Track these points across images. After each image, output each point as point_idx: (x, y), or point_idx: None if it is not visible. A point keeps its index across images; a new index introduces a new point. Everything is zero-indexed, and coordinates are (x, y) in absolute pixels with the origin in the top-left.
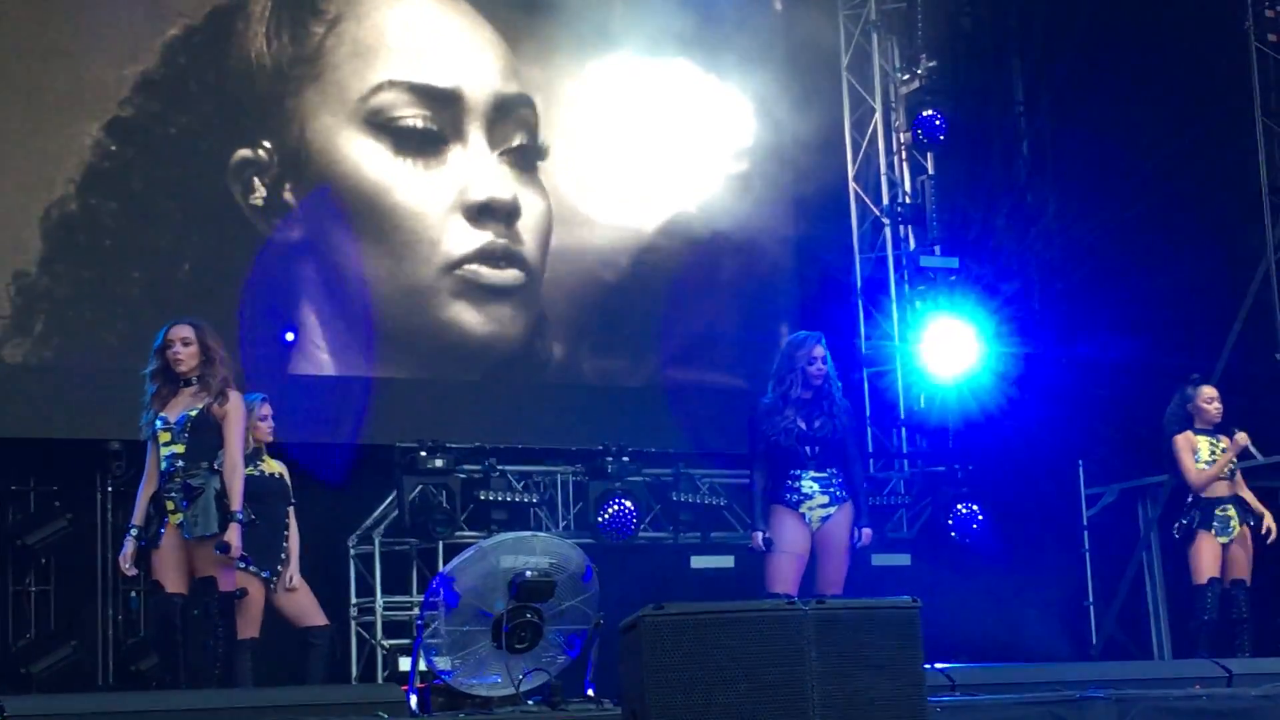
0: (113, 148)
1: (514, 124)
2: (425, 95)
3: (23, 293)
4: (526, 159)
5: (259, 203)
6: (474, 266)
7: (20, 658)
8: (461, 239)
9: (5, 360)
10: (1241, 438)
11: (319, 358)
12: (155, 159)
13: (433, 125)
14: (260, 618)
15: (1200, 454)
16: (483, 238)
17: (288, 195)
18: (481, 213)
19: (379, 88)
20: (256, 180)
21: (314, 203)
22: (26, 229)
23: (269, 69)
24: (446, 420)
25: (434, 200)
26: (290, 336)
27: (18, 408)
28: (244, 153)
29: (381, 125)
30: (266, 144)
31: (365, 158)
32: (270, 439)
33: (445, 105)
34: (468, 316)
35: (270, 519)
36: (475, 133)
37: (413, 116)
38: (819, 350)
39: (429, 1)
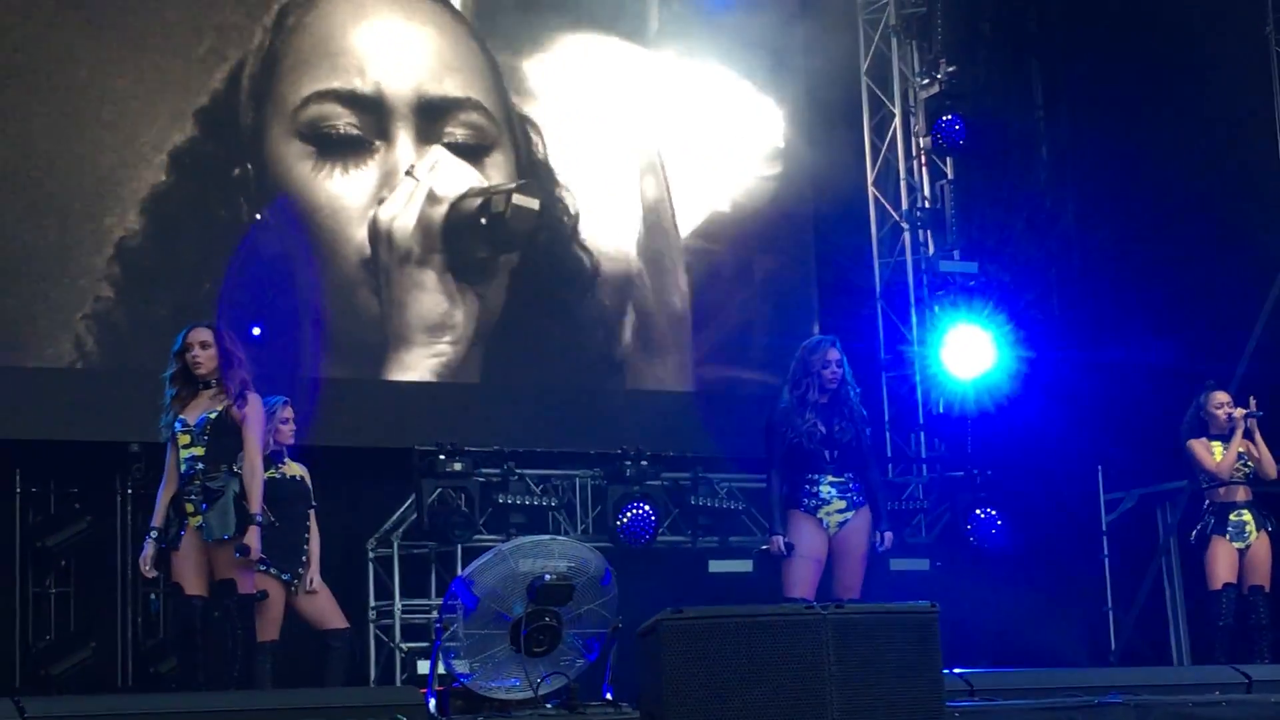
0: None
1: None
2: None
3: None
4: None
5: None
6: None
7: (40, 659)
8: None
9: (26, 364)
10: (1239, 412)
11: (340, 361)
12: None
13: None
14: (280, 620)
15: (1215, 459)
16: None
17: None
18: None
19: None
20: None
21: (280, 212)
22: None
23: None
24: (465, 423)
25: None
26: (256, 331)
27: (38, 410)
28: (236, 170)
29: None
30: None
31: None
32: (292, 441)
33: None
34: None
35: (291, 522)
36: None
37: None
38: (833, 354)
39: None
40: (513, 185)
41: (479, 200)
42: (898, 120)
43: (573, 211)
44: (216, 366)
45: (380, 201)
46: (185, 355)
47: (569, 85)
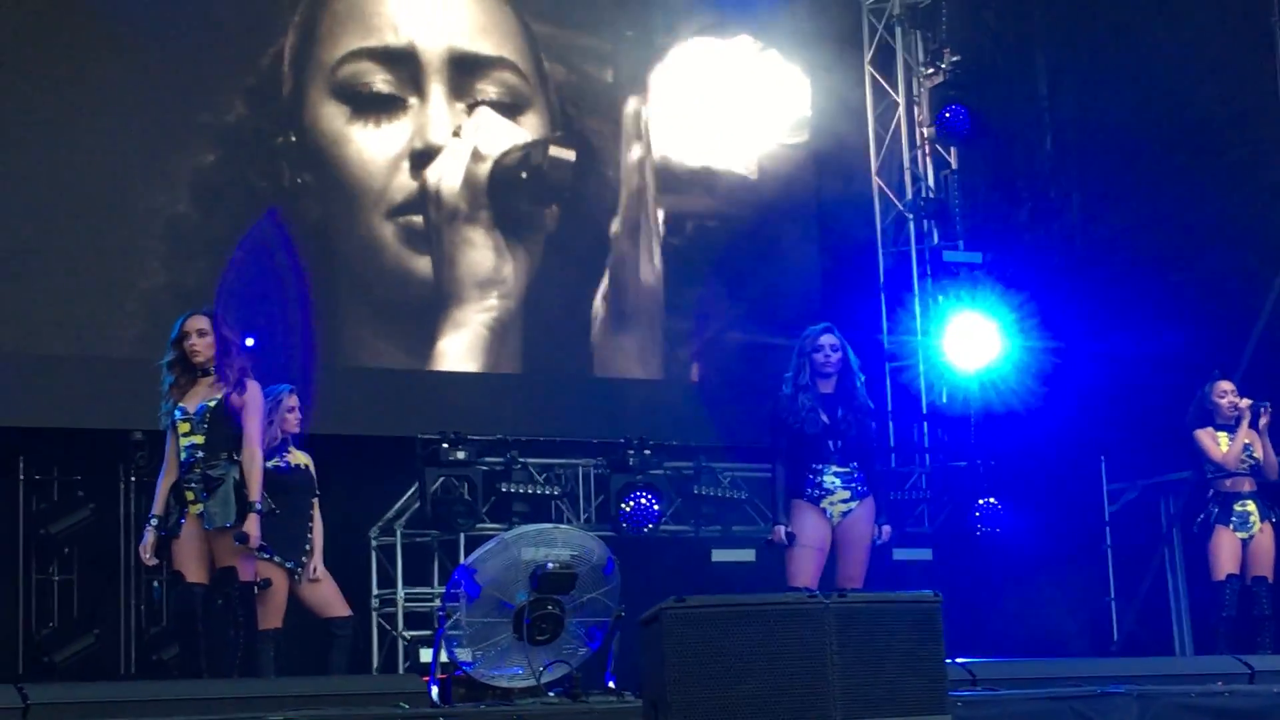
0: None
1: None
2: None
3: (46, 284)
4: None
5: (298, 180)
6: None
7: (43, 646)
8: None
9: (29, 351)
10: (1245, 402)
11: (346, 349)
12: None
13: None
14: (284, 608)
15: (1221, 449)
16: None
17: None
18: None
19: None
20: (286, 168)
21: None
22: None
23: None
24: (469, 412)
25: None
26: (250, 342)
27: (41, 398)
28: (279, 139)
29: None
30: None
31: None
32: (297, 430)
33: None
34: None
35: (295, 510)
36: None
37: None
38: (825, 339)
39: None
40: (547, 138)
41: (519, 155)
42: (902, 110)
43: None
44: (215, 354)
45: (414, 159)
46: (183, 343)
47: (599, 56)
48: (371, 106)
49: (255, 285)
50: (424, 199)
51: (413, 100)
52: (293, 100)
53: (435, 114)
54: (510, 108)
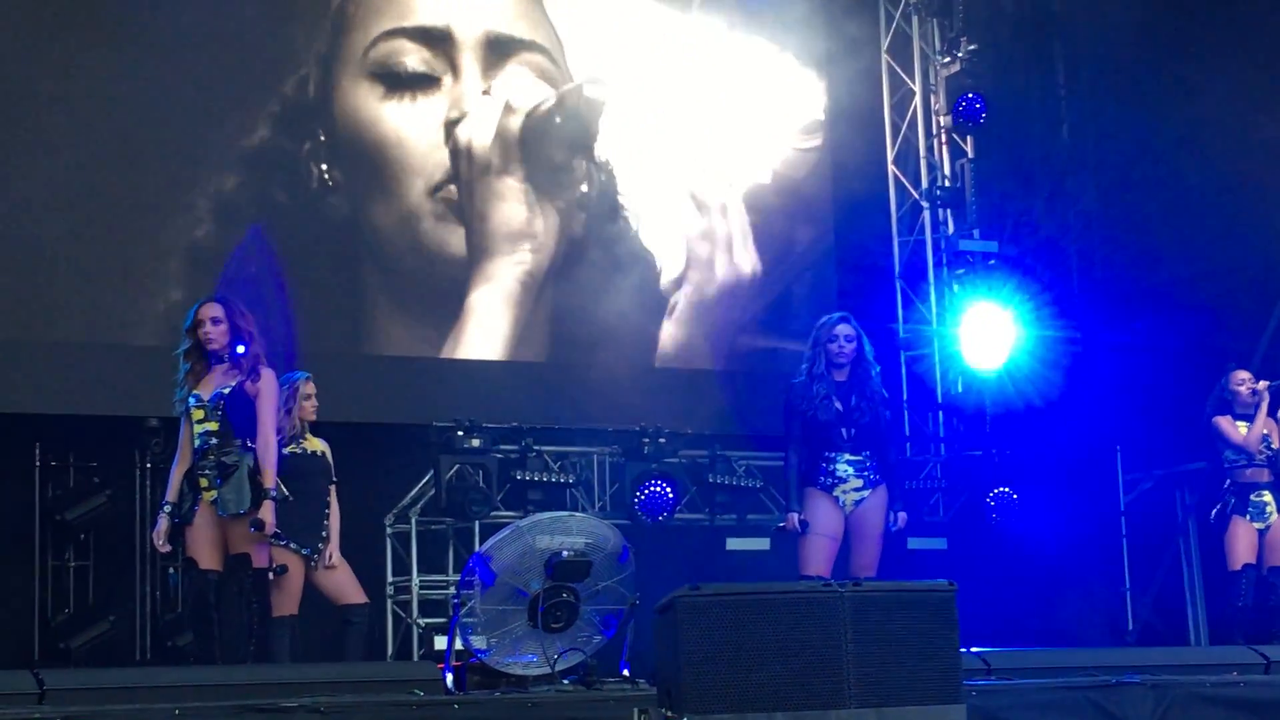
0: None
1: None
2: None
3: (63, 271)
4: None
5: (316, 185)
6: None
7: (59, 633)
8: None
9: (45, 338)
10: (1262, 385)
11: (365, 336)
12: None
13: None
14: (299, 595)
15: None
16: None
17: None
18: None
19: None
20: (313, 165)
21: (362, 177)
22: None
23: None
24: (483, 400)
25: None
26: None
27: (57, 384)
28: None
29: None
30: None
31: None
32: (314, 417)
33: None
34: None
35: (312, 497)
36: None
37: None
38: (843, 329)
39: None
40: (581, 82)
41: (552, 102)
42: (918, 99)
43: (618, 188)
44: (229, 341)
45: (449, 130)
46: (197, 331)
47: (618, 55)
48: (405, 84)
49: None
50: (456, 159)
51: (446, 78)
52: (320, 99)
53: (469, 87)
54: (541, 77)
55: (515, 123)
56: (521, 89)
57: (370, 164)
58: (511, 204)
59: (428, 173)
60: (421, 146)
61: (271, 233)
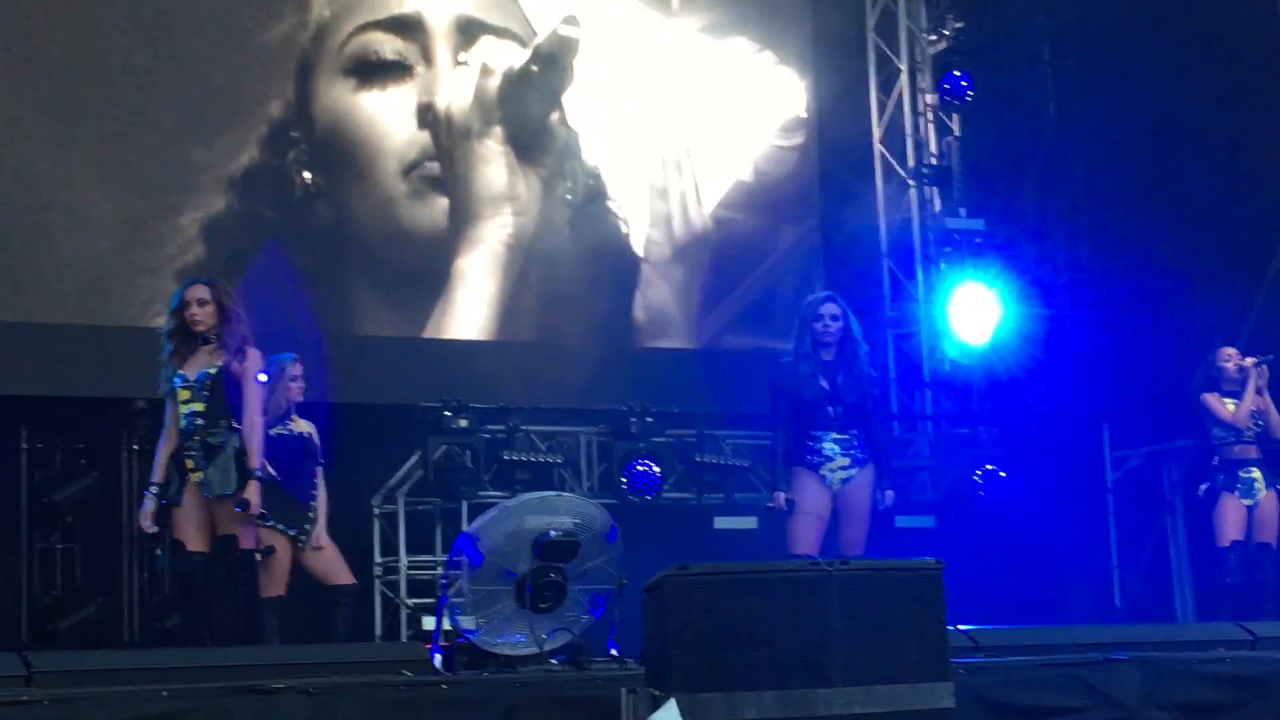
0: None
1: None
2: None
3: (50, 253)
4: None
5: (300, 194)
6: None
7: (46, 614)
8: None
9: (31, 320)
10: (1249, 362)
11: (350, 318)
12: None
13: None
14: (287, 576)
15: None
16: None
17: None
18: None
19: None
20: (292, 156)
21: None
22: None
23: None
24: (472, 380)
25: None
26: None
27: (44, 366)
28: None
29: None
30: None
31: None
32: (300, 399)
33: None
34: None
35: (299, 478)
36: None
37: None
38: (829, 308)
39: None
40: (555, 26)
41: (528, 54)
42: (905, 77)
43: (592, 169)
44: (216, 323)
45: (424, 111)
46: (184, 312)
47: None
48: (378, 73)
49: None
50: (434, 131)
51: (419, 66)
52: (300, 106)
53: (442, 71)
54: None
55: (493, 83)
56: (498, 53)
57: (345, 155)
58: (494, 166)
59: (400, 153)
60: (393, 129)
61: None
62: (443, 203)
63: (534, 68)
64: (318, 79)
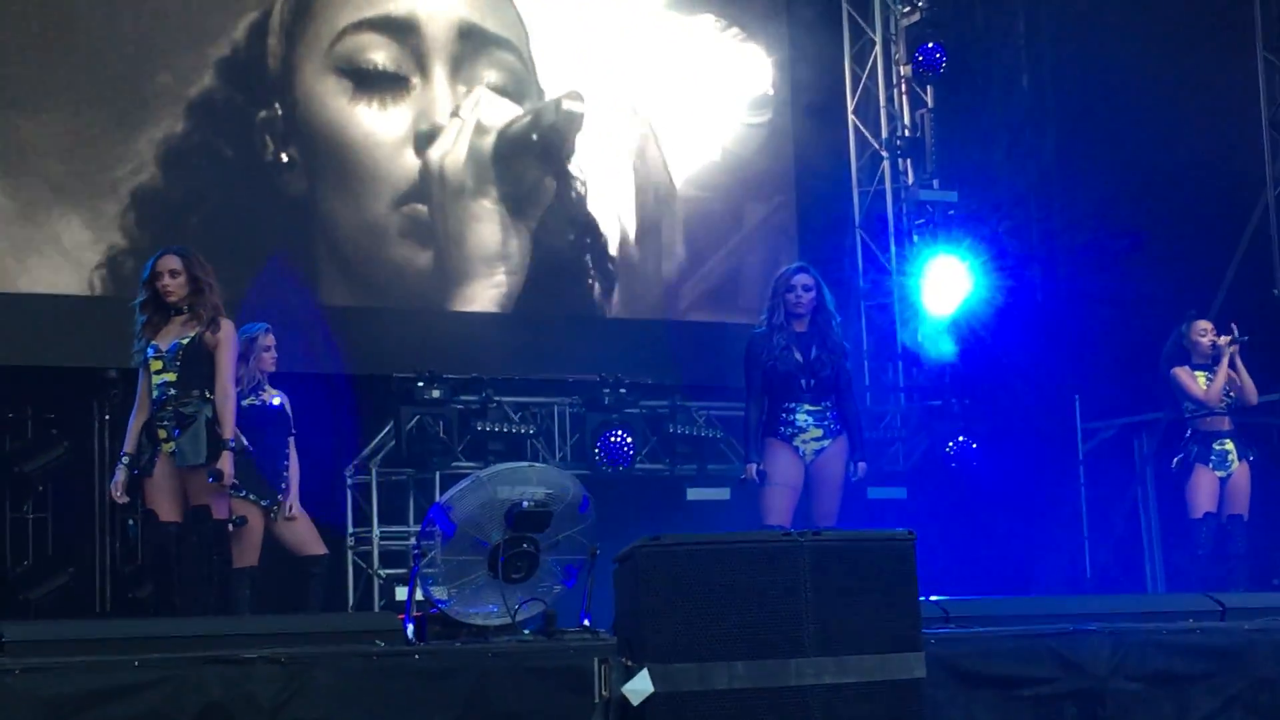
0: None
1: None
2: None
3: (17, 220)
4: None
5: (270, 158)
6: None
7: (18, 584)
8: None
9: (2, 288)
10: (1224, 339)
11: (323, 288)
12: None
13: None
14: (259, 546)
15: (1201, 386)
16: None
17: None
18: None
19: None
20: (269, 138)
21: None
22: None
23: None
24: (443, 351)
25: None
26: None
27: (14, 335)
28: (263, 113)
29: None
30: (278, 105)
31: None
32: (273, 369)
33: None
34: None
35: (271, 449)
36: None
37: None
38: (799, 279)
39: None
40: (560, 95)
41: (528, 119)
42: (878, 48)
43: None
44: (188, 294)
45: (419, 140)
46: (155, 283)
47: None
48: (373, 83)
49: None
50: (427, 181)
51: (415, 79)
52: (282, 74)
53: (439, 93)
54: (510, 92)
55: (487, 143)
56: (492, 106)
57: (337, 165)
58: (487, 225)
59: (394, 182)
60: (390, 153)
61: (219, 188)
62: (430, 251)
63: (534, 136)
64: (304, 63)
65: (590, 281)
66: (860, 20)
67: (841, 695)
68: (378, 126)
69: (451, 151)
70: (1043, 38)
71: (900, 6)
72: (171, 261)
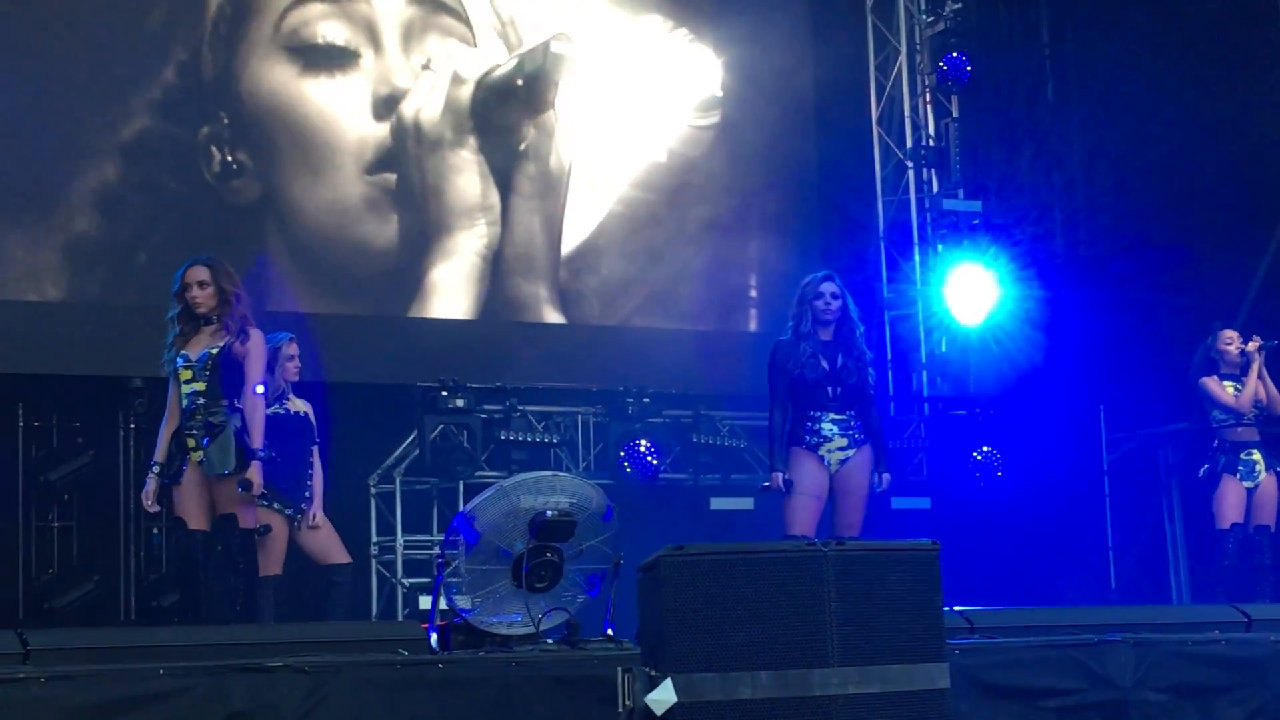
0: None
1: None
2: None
3: (46, 231)
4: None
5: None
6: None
7: (43, 593)
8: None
9: (28, 298)
10: (1253, 346)
11: (343, 297)
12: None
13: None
14: (284, 555)
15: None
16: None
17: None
18: None
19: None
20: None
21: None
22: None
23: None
24: (467, 360)
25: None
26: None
27: (41, 344)
28: (206, 129)
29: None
30: (222, 113)
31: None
32: (296, 378)
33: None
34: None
35: (295, 458)
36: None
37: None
38: (826, 287)
39: None
40: (548, 38)
41: (512, 65)
42: (903, 58)
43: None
44: (216, 304)
45: (377, 106)
46: (185, 295)
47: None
48: (323, 58)
49: None
50: (401, 138)
51: (366, 51)
52: (223, 80)
53: (394, 62)
54: (465, 45)
55: (465, 92)
56: (469, 57)
57: (293, 148)
58: (467, 176)
59: (357, 152)
60: (349, 125)
61: (164, 223)
62: (405, 213)
63: (519, 81)
64: (247, 57)
65: (614, 283)
66: (885, 30)
67: (865, 706)
68: (334, 99)
69: (426, 105)
70: (1067, 46)
71: (925, 17)
72: (199, 273)
